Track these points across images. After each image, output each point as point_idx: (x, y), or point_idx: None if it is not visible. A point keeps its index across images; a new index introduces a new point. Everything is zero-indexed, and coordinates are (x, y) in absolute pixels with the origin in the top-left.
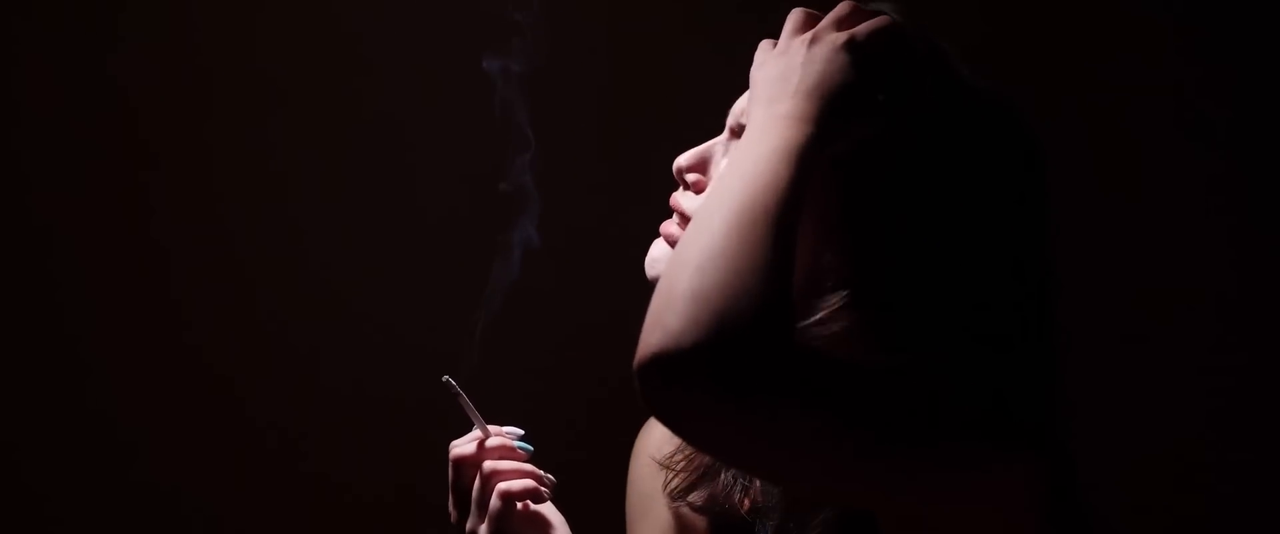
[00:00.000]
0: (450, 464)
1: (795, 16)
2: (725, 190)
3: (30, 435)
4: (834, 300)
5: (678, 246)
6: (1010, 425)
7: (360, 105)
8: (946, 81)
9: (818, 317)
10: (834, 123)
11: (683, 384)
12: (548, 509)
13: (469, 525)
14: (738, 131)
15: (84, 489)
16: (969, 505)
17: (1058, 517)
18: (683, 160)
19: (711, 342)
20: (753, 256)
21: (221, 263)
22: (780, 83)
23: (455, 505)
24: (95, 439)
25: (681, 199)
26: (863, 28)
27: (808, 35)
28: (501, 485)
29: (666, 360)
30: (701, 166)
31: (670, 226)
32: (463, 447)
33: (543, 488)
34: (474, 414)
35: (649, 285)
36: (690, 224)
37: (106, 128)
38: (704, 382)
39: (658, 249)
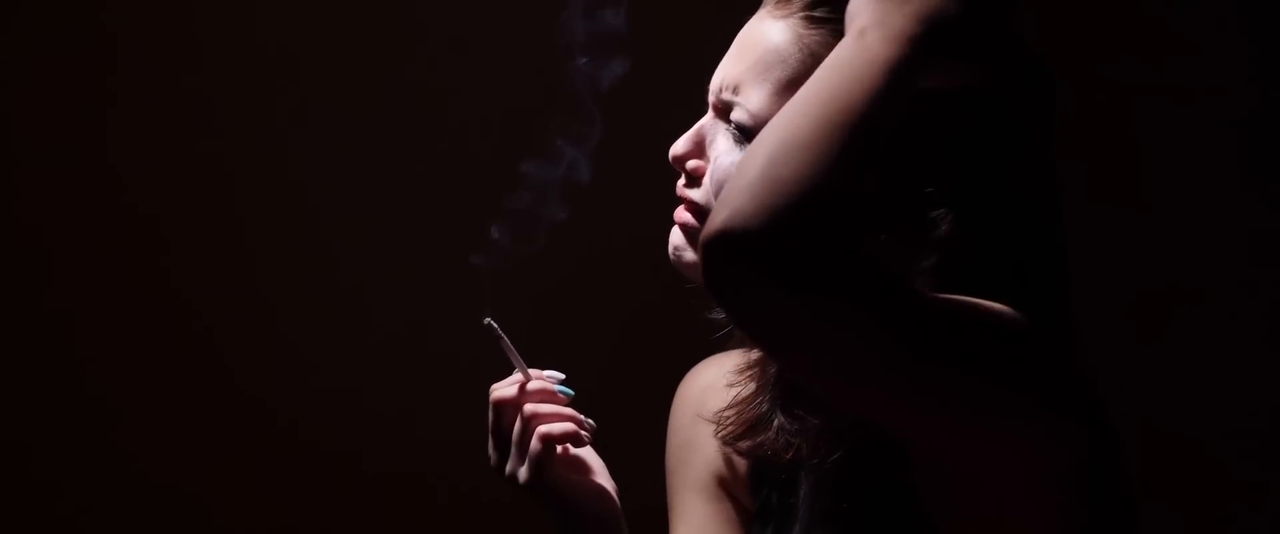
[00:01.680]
0: (490, 407)
1: None
2: (819, 87)
3: (38, 433)
4: (897, 224)
5: (761, 133)
6: (1054, 386)
7: (381, 94)
8: (1033, 51)
9: (880, 235)
10: (938, 57)
11: (740, 264)
12: (587, 453)
13: (509, 468)
14: (720, 108)
15: (96, 487)
16: (1000, 456)
17: (1087, 487)
18: (678, 148)
19: (774, 225)
20: (831, 154)
21: (231, 252)
22: None
23: (495, 448)
24: (103, 434)
25: (687, 189)
26: None
27: None
28: (542, 428)
29: (729, 239)
30: (698, 151)
31: (683, 214)
32: (503, 390)
33: (583, 432)
34: (515, 357)
35: None
36: (776, 114)
37: (109, 118)
38: (759, 265)
39: (678, 236)
